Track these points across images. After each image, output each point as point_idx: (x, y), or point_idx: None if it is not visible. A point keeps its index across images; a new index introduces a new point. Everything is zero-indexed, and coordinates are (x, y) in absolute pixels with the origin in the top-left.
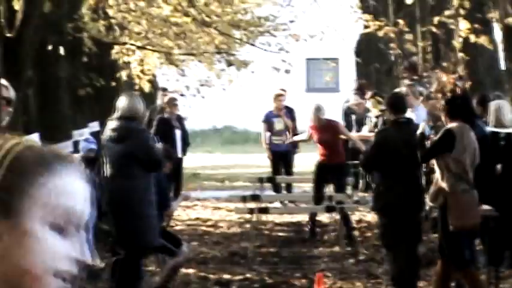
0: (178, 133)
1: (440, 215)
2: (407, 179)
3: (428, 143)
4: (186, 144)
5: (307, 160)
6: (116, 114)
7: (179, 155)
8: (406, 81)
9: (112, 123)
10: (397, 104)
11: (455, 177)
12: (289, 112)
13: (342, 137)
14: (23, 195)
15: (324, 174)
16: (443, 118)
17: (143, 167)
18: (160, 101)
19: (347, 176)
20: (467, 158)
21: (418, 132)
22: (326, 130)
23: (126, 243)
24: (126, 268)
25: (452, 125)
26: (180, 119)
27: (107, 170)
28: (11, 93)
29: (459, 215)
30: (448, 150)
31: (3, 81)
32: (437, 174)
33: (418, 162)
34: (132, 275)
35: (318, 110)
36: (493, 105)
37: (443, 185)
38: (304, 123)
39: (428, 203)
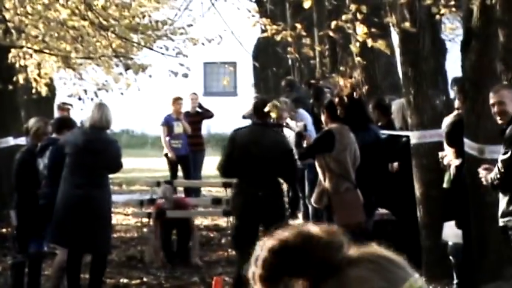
0: None
1: (326, 217)
2: (260, 181)
3: (304, 143)
4: None
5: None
6: (87, 124)
7: None
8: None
9: (84, 133)
10: (260, 109)
11: (337, 177)
12: (187, 116)
13: None
14: None
15: None
16: (323, 120)
17: (110, 173)
18: None
19: None
20: (348, 157)
21: (296, 131)
22: None
23: (96, 249)
24: (96, 271)
25: (332, 125)
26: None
27: (72, 177)
28: None
29: (343, 213)
30: (328, 150)
31: None
32: (320, 176)
33: (273, 165)
34: (100, 275)
35: None
36: (395, 105)
37: (327, 185)
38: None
39: (313, 204)
